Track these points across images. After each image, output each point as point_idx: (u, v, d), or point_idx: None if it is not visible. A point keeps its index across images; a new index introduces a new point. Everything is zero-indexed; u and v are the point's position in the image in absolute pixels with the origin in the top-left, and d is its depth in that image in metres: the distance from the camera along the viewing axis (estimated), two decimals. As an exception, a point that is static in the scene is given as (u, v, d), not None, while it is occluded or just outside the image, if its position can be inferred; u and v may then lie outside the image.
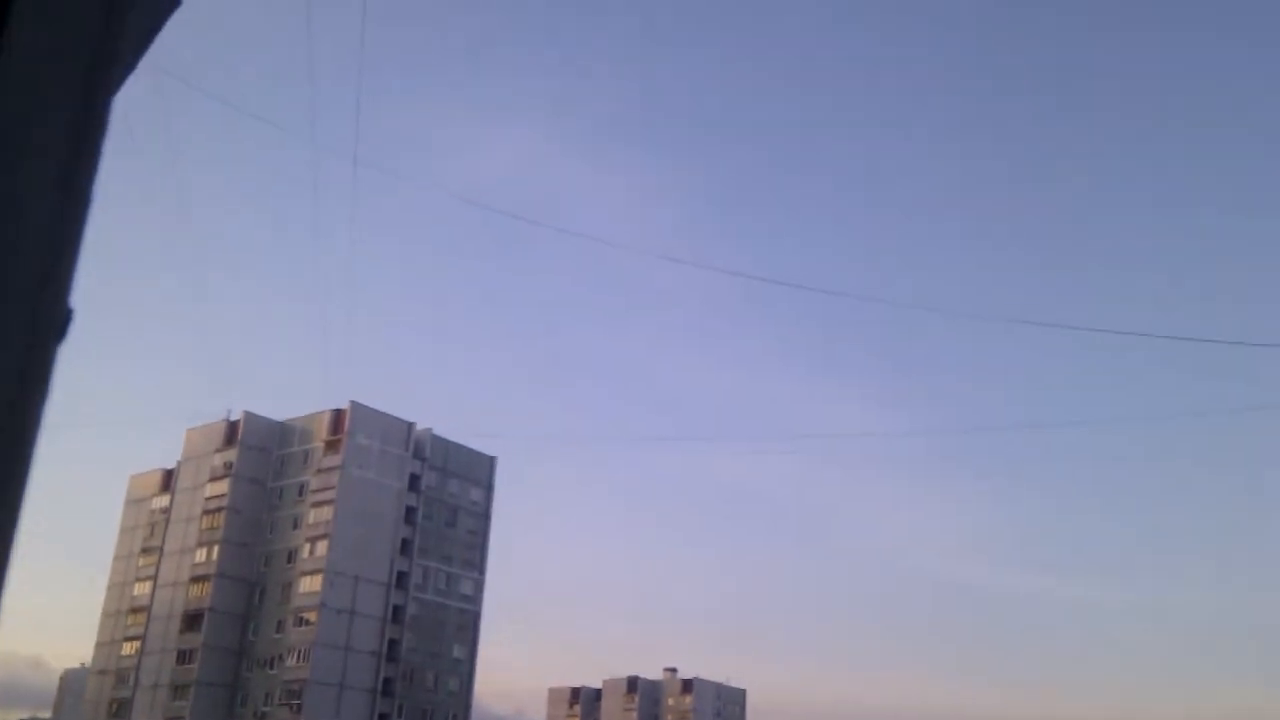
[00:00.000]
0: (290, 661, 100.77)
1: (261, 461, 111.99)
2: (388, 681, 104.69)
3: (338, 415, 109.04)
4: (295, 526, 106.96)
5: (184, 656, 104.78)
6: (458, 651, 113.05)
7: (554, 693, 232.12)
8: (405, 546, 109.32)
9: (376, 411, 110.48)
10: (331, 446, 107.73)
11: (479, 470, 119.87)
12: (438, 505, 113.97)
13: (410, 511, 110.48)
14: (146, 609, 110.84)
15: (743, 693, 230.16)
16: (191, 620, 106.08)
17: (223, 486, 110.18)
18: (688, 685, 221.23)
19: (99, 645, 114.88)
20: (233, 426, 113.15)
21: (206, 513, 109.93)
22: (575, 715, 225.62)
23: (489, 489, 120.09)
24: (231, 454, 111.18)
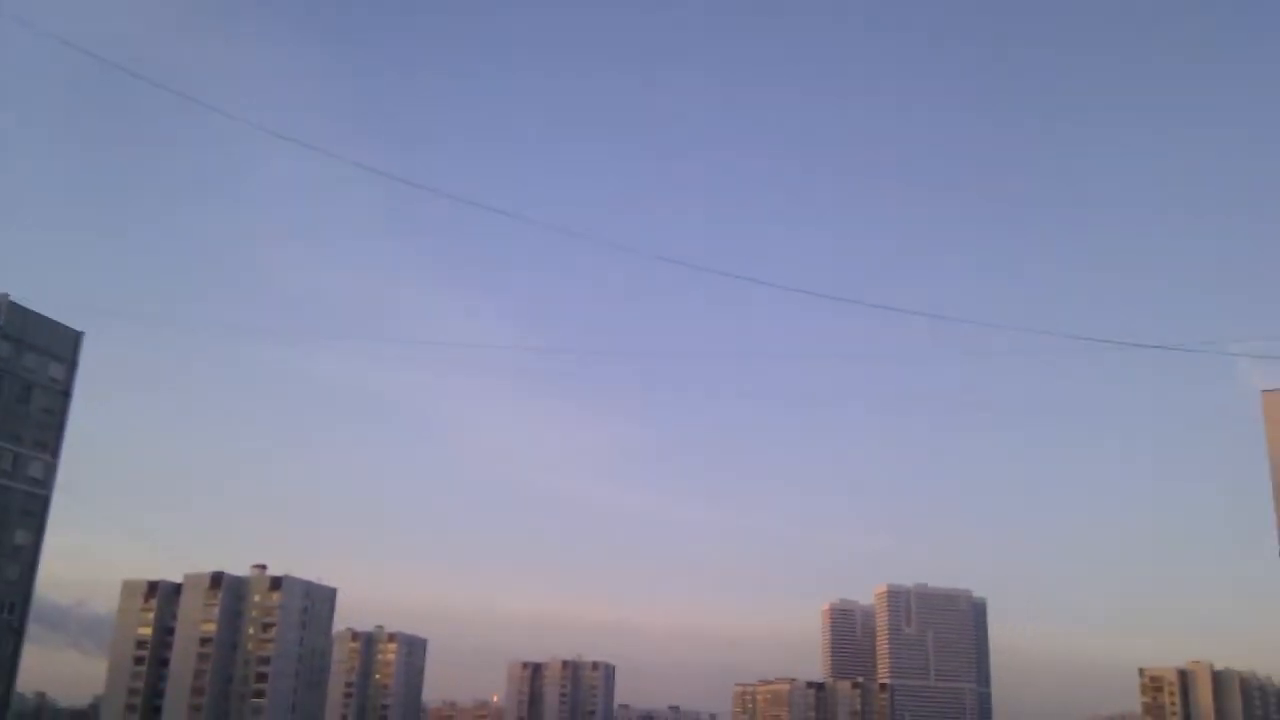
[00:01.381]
0: None
1: None
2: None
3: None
4: None
5: None
6: (20, 538, 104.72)
7: (128, 585, 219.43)
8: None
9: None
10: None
11: (61, 345, 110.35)
12: (8, 378, 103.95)
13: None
14: None
15: (333, 592, 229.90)
16: None
17: None
18: (277, 583, 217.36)
19: None
20: None
21: None
22: (150, 609, 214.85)
23: (72, 366, 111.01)
24: None
